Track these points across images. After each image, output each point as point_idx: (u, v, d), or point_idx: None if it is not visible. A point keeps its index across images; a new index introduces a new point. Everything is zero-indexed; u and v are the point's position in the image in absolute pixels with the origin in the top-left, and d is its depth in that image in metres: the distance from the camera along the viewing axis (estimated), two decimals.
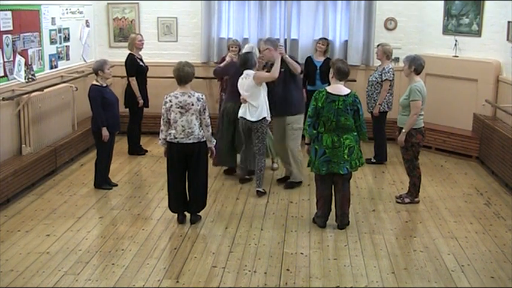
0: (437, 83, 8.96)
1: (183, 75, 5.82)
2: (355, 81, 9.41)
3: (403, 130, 6.46)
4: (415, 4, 9.51)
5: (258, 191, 6.94)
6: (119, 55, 9.06)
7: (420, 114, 6.46)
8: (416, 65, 6.50)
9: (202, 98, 5.89)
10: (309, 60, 8.85)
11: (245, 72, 6.90)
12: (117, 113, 7.09)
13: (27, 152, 7.27)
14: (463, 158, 8.51)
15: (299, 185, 7.22)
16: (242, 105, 6.94)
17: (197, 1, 9.63)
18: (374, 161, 8.31)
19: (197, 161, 5.93)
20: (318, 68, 8.68)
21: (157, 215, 6.30)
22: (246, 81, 6.85)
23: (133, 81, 8.34)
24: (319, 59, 8.77)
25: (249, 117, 6.84)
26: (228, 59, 8.05)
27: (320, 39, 8.97)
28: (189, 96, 5.83)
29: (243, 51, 7.61)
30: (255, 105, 6.81)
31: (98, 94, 6.84)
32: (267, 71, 6.96)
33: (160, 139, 6.00)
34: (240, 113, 6.95)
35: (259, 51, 7.53)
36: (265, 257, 5.30)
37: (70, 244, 5.51)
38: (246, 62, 6.94)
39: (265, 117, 6.81)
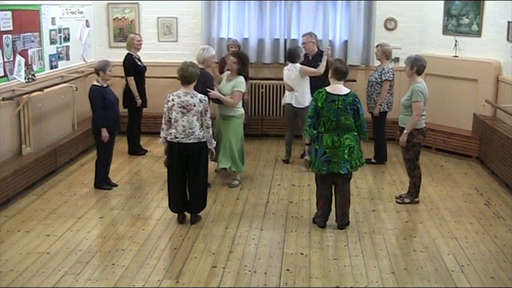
0: (437, 83, 8.95)
1: (187, 75, 5.82)
2: (355, 81, 9.41)
3: (405, 131, 6.45)
4: (415, 4, 9.51)
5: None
6: (119, 55, 9.03)
7: (422, 115, 6.46)
8: (418, 66, 6.49)
9: (204, 100, 5.89)
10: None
11: (290, 64, 8.00)
12: (117, 113, 7.09)
13: (27, 152, 7.27)
14: (463, 158, 8.51)
15: None
16: (287, 93, 8.05)
17: (197, 1, 9.62)
18: (374, 161, 8.30)
19: (197, 161, 5.93)
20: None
21: (157, 215, 6.30)
22: (292, 73, 7.94)
23: (131, 81, 8.33)
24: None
25: (294, 104, 7.95)
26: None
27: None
28: (191, 97, 5.83)
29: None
30: (299, 94, 7.90)
31: (98, 95, 6.84)
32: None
33: (161, 137, 6.01)
34: (288, 100, 8.04)
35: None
36: (265, 257, 5.30)
37: (70, 244, 5.51)
38: (292, 55, 8.00)
39: (308, 105, 7.33)
